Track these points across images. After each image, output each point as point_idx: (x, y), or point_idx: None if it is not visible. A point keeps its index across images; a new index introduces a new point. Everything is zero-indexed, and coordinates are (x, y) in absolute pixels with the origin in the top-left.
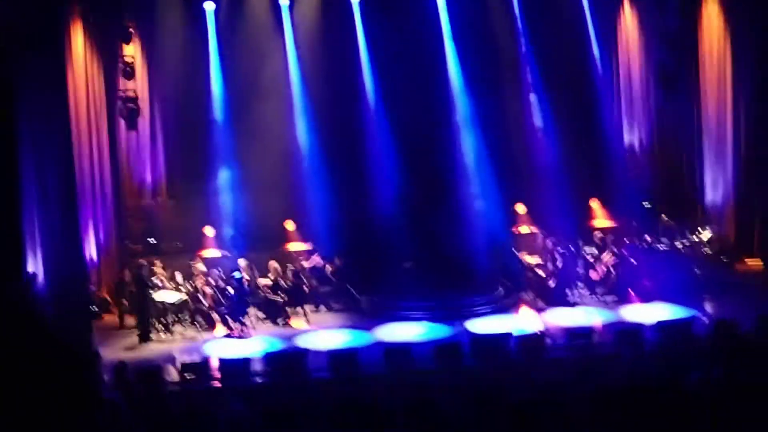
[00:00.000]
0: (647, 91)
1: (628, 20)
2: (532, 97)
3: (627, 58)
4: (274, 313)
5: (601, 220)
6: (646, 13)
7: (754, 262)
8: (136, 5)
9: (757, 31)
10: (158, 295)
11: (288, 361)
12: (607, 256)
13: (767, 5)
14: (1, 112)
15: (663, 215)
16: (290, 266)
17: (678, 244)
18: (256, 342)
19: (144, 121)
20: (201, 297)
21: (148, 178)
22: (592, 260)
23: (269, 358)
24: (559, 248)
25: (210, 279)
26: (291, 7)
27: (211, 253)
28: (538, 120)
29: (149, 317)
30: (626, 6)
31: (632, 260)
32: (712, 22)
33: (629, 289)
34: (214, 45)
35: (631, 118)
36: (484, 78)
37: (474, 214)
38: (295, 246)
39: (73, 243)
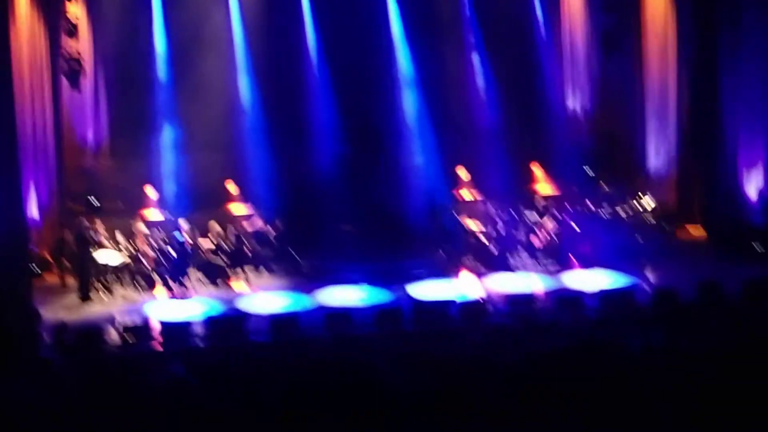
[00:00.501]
0: (590, 55)
1: None
2: (474, 59)
3: (569, 21)
4: (215, 274)
5: (542, 185)
6: None
7: (695, 229)
8: None
9: None
10: (99, 256)
11: (229, 324)
12: (548, 222)
13: None
14: None
15: (602, 182)
16: (231, 228)
17: (619, 211)
18: (196, 304)
19: (87, 80)
20: (142, 257)
21: (90, 137)
22: (533, 225)
23: (210, 321)
24: (500, 213)
25: (151, 240)
26: None
27: (153, 213)
28: (480, 81)
29: (90, 277)
30: None
31: (573, 226)
32: None
33: (570, 255)
34: (157, 4)
35: (573, 83)
36: (426, 37)
37: (414, 177)
38: (237, 207)
39: (13, 201)
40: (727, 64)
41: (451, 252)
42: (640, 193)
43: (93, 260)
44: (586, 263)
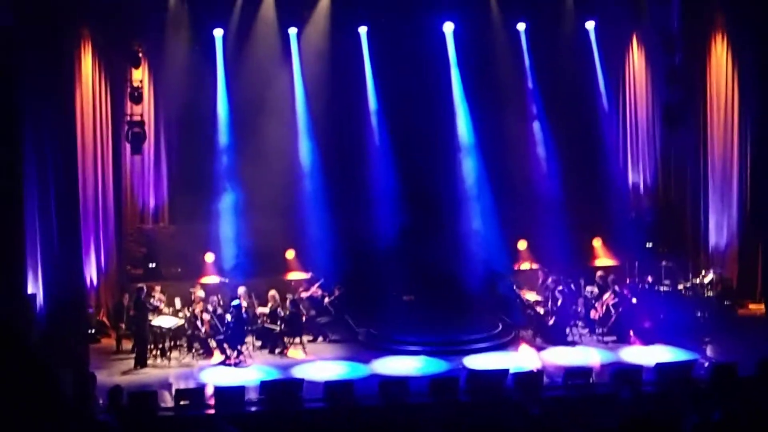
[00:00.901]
0: (653, 129)
1: (636, 58)
2: (536, 129)
3: (633, 95)
4: (272, 342)
5: (603, 259)
6: (654, 50)
7: (756, 307)
8: (146, 29)
9: (763, 71)
10: (156, 320)
11: (283, 389)
12: (607, 296)
13: None
14: (8, 133)
15: (662, 257)
16: (289, 296)
17: (680, 286)
18: (252, 371)
19: (149, 145)
20: (199, 324)
21: (151, 202)
22: (592, 299)
23: (264, 386)
24: (559, 286)
25: (209, 306)
26: (299, 34)
27: (211, 279)
28: (541, 151)
29: (147, 342)
30: (634, 43)
31: (633, 301)
32: (720, 61)
33: (629, 330)
34: (221, 71)
35: (636, 157)
36: (488, 105)
37: (475, 249)
38: (295, 275)
39: (73, 265)
40: None
41: (510, 324)
42: (701, 270)
43: (150, 325)
44: (646, 338)
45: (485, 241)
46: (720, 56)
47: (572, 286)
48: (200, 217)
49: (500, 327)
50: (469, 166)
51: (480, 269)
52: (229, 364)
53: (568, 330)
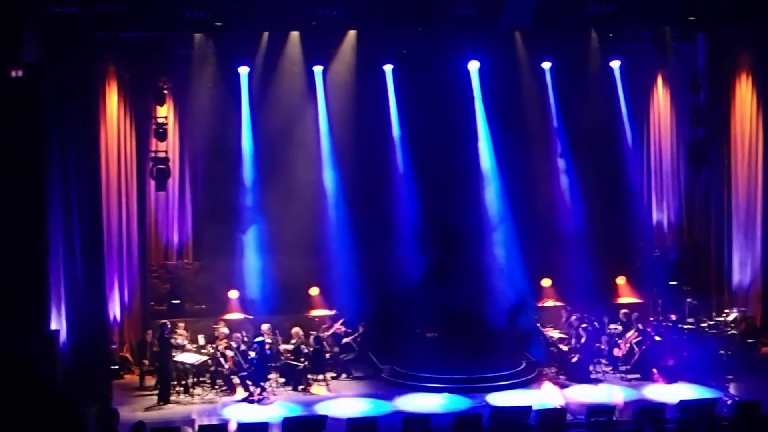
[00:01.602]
0: (677, 168)
1: (661, 97)
2: (561, 166)
3: (658, 134)
4: (295, 379)
5: (626, 297)
6: (679, 89)
7: None
8: (171, 66)
9: None
10: (180, 357)
11: (306, 426)
12: (631, 334)
13: None
14: (33, 169)
15: (686, 295)
16: (313, 332)
17: (703, 324)
18: (275, 407)
19: (173, 182)
20: (222, 360)
21: (175, 238)
22: (616, 337)
23: (287, 423)
24: (583, 324)
25: (232, 342)
26: (324, 72)
27: (235, 316)
28: (565, 189)
29: (170, 378)
30: (659, 82)
31: (657, 338)
32: (744, 100)
33: (653, 368)
34: (246, 108)
35: (660, 195)
36: (514, 147)
37: (499, 286)
38: (319, 312)
39: (96, 301)
40: None
41: (533, 361)
42: (725, 308)
43: (174, 361)
44: (669, 376)
45: (509, 278)
46: (744, 96)
47: (596, 323)
48: (224, 253)
49: (524, 364)
50: (493, 204)
51: (504, 306)
52: (253, 401)
53: (591, 367)
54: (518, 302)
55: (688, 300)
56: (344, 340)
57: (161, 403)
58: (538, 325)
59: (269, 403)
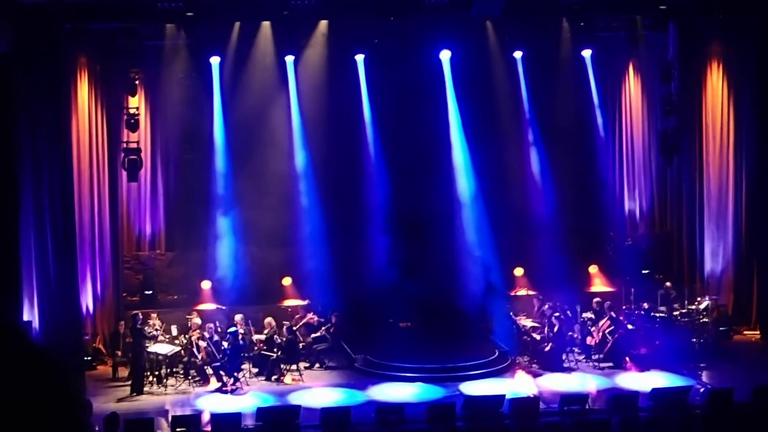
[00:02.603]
0: (649, 157)
1: (632, 86)
2: (533, 157)
3: (630, 123)
4: (269, 369)
5: (599, 285)
6: (650, 79)
7: (751, 333)
8: (143, 57)
9: (759, 100)
10: (153, 347)
11: (280, 416)
12: (603, 322)
13: None
14: (4, 160)
15: (668, 283)
16: (286, 323)
17: (676, 313)
18: (248, 397)
19: (145, 173)
20: (195, 350)
21: (147, 229)
22: (589, 326)
23: (261, 413)
24: (556, 313)
25: (205, 333)
26: (296, 62)
27: (208, 306)
28: (538, 179)
29: (143, 369)
30: (630, 72)
31: (629, 327)
32: (716, 89)
33: (626, 357)
34: (218, 98)
35: (632, 184)
36: (486, 137)
37: (471, 276)
38: (292, 302)
39: (69, 292)
40: None
41: (506, 350)
42: (697, 296)
43: (147, 352)
44: (642, 365)
45: (482, 268)
46: (716, 85)
47: (568, 312)
48: (197, 244)
49: (497, 353)
50: (465, 194)
51: (477, 297)
52: (226, 391)
53: (564, 356)
54: (488, 285)
55: (667, 285)
56: (317, 333)
57: (134, 394)
58: (511, 314)
59: (243, 393)
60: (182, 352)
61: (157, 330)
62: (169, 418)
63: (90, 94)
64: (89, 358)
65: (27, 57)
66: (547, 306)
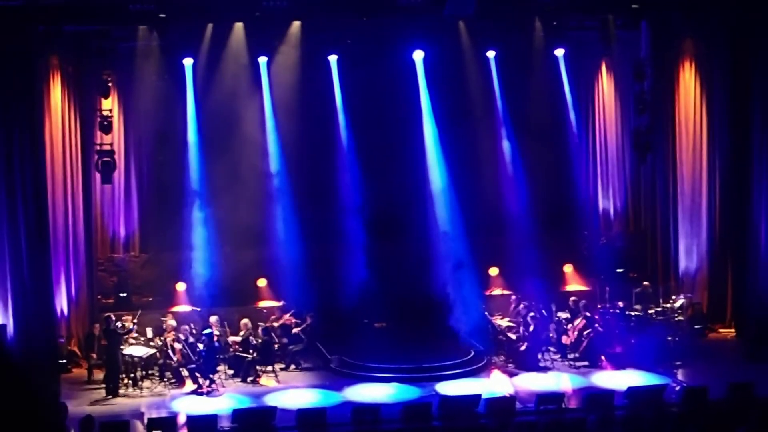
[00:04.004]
0: (622, 155)
1: (605, 84)
2: (507, 157)
3: (603, 122)
4: (244, 370)
5: (574, 284)
6: (623, 77)
7: (726, 331)
8: (115, 59)
9: (732, 98)
10: (128, 350)
11: (256, 418)
12: (579, 321)
13: (742, 73)
14: None
15: (645, 282)
16: (261, 324)
17: (651, 311)
18: (224, 399)
19: (119, 174)
20: (171, 352)
21: (122, 231)
22: (564, 325)
23: (237, 414)
24: (531, 312)
25: (180, 335)
26: (269, 63)
27: (183, 308)
28: (512, 181)
29: (118, 371)
30: (603, 70)
31: (604, 326)
32: (688, 87)
33: (601, 356)
34: (191, 100)
35: (605, 183)
36: (459, 137)
37: (447, 276)
38: (267, 303)
39: (43, 295)
40: (758, 165)
41: (482, 350)
42: (672, 295)
43: (122, 354)
44: (617, 363)
45: (456, 269)
46: (689, 83)
47: (544, 311)
48: (171, 246)
49: (472, 353)
50: (439, 193)
51: (452, 296)
52: (202, 393)
53: (540, 355)
54: (467, 298)
55: (645, 283)
56: (294, 331)
57: (110, 397)
58: (486, 313)
59: (218, 395)
60: (157, 354)
61: (132, 332)
62: (145, 421)
63: (63, 96)
64: (64, 360)
65: None
66: (522, 305)
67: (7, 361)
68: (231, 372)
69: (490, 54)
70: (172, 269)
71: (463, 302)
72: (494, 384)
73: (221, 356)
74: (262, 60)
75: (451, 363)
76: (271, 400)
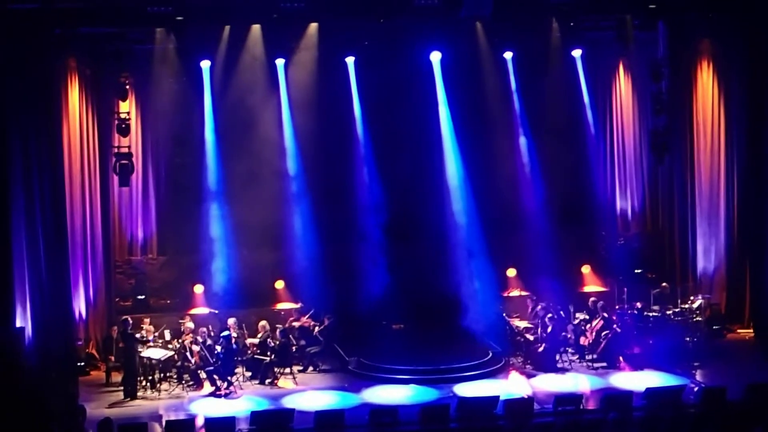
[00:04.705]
0: (640, 156)
1: (622, 85)
2: (525, 159)
3: (620, 123)
4: (262, 372)
5: (592, 285)
6: (640, 78)
7: (744, 331)
8: (133, 61)
9: (749, 98)
10: (146, 352)
11: (274, 420)
12: (596, 322)
13: (759, 72)
14: None
15: (664, 283)
16: (279, 326)
17: (669, 312)
18: (242, 401)
19: (136, 177)
20: (188, 355)
21: (139, 234)
22: (582, 326)
23: (255, 416)
24: (549, 313)
25: (198, 337)
26: (286, 65)
27: (201, 310)
28: (530, 182)
29: (136, 374)
30: (620, 71)
31: (622, 327)
32: (706, 87)
33: (619, 356)
34: (208, 102)
35: (623, 183)
36: (477, 138)
37: (465, 277)
38: (285, 305)
39: (61, 298)
40: None
41: (500, 351)
42: (689, 294)
43: (140, 357)
44: (635, 364)
45: (475, 269)
46: (706, 83)
47: (562, 312)
48: (189, 248)
49: (490, 354)
50: (457, 195)
51: (470, 298)
52: (220, 395)
53: (558, 356)
54: (485, 299)
55: (663, 285)
56: (315, 331)
57: (128, 399)
58: (504, 315)
59: (236, 397)
60: (175, 356)
61: (148, 334)
62: (163, 423)
63: (80, 99)
64: (82, 363)
65: (17, 62)
66: (540, 307)
67: (22, 368)
68: (249, 374)
69: (507, 55)
70: (189, 271)
71: (480, 303)
72: (512, 385)
73: (239, 358)
74: (280, 62)
75: (469, 364)
76: (289, 402)
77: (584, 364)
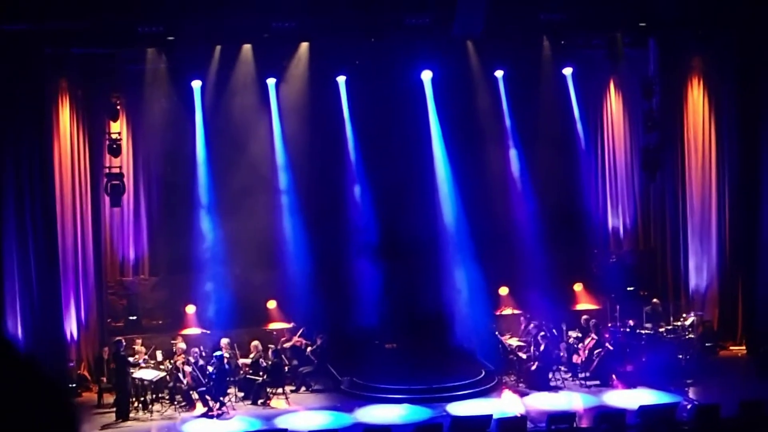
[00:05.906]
0: (632, 173)
1: (613, 103)
2: (516, 176)
3: (612, 140)
4: (255, 392)
5: (584, 303)
6: (631, 95)
7: (737, 348)
8: (124, 81)
9: (740, 115)
10: (138, 373)
11: None
12: (589, 340)
13: (750, 90)
14: None
15: (655, 299)
16: (271, 346)
17: (661, 329)
18: (235, 422)
19: (128, 197)
20: (181, 375)
21: (131, 254)
22: (575, 344)
23: None
24: (541, 331)
25: (190, 357)
26: (277, 84)
27: (193, 331)
28: (521, 200)
29: (128, 395)
30: (611, 89)
31: (615, 345)
32: (696, 104)
33: (612, 374)
34: (200, 122)
35: (615, 201)
36: (468, 157)
37: (457, 296)
38: (277, 325)
39: (53, 319)
40: None
41: (492, 370)
42: (682, 312)
43: (132, 378)
44: (628, 382)
45: (467, 287)
46: (697, 100)
47: (554, 330)
48: (181, 268)
49: (483, 373)
50: (449, 213)
51: (462, 317)
52: (212, 416)
53: (551, 375)
54: (477, 318)
55: (654, 301)
56: (307, 351)
57: (120, 421)
58: (497, 333)
59: (229, 417)
60: (167, 377)
61: (141, 356)
62: None
63: (72, 119)
64: (74, 384)
65: (8, 82)
66: (532, 325)
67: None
68: (241, 394)
69: (499, 73)
70: (181, 292)
71: (473, 322)
72: (505, 404)
73: (231, 379)
74: (271, 81)
75: (461, 383)
76: (281, 423)
77: (577, 382)
